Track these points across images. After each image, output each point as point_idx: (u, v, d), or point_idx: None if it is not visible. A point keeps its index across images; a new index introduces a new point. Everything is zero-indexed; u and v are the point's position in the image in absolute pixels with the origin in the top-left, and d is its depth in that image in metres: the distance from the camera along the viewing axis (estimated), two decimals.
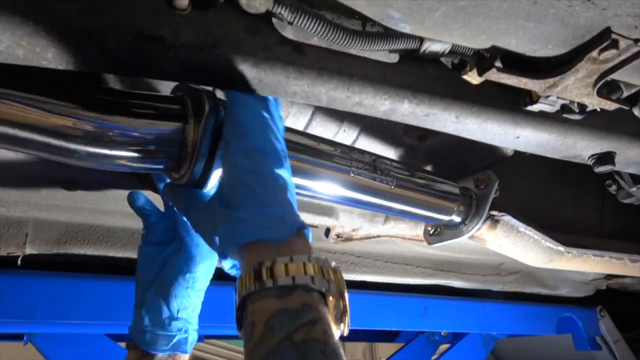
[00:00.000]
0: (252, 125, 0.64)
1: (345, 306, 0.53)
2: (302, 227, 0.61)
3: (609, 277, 1.84)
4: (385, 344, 3.29)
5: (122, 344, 1.42)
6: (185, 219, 0.75)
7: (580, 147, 0.90)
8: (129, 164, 0.68)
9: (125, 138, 0.65)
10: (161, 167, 0.71)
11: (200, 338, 1.47)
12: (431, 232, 1.11)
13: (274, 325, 0.49)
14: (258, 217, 0.58)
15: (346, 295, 0.54)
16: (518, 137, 0.86)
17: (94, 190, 1.05)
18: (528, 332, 1.92)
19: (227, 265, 0.65)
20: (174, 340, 0.81)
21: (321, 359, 0.47)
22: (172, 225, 0.85)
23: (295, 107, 0.98)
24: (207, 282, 0.85)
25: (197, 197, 0.70)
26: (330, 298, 0.53)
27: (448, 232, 1.06)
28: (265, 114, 0.67)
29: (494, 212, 1.03)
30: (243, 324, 0.53)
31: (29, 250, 1.07)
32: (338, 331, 0.53)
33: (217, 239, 0.62)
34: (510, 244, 1.09)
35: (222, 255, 0.64)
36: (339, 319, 0.53)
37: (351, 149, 0.85)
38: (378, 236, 1.36)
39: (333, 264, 0.57)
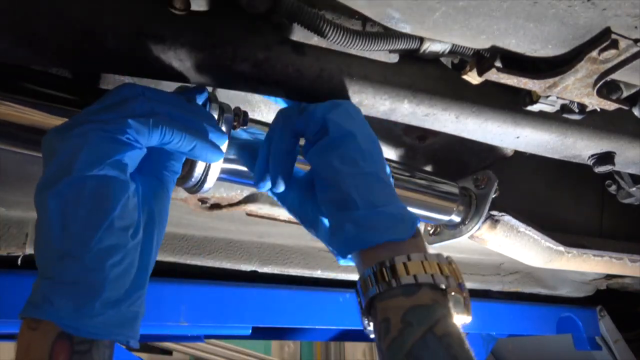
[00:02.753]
0: (349, 128, 0.65)
1: (466, 297, 0.57)
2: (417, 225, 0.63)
3: (609, 277, 1.83)
4: None
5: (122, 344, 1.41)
6: None
7: (580, 147, 0.90)
8: None
9: None
10: None
11: (200, 338, 1.47)
12: (431, 232, 1.12)
13: (411, 320, 0.53)
14: (380, 218, 0.60)
15: (465, 286, 0.58)
16: (518, 137, 0.86)
17: None
18: (528, 332, 1.92)
19: (343, 262, 0.66)
20: None
21: (459, 351, 0.51)
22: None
23: None
24: None
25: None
26: (453, 293, 0.56)
27: (448, 232, 1.06)
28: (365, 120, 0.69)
29: (494, 212, 1.03)
30: (373, 321, 0.57)
31: (29, 250, 1.07)
32: (464, 320, 0.57)
33: (337, 243, 0.63)
34: (510, 244, 1.09)
35: (342, 256, 0.65)
36: (462, 310, 0.57)
37: None
38: None
39: (446, 256, 0.59)
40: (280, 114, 0.70)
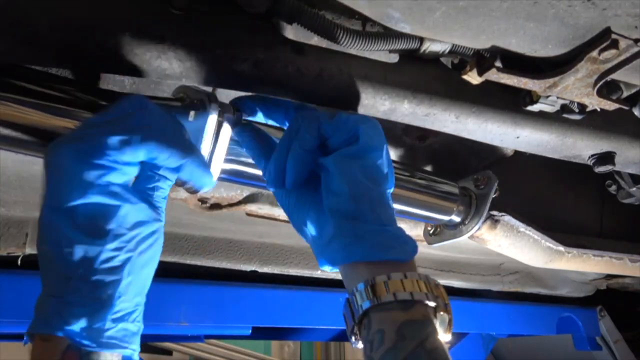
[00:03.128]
0: (376, 144, 0.66)
1: (451, 317, 0.60)
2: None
3: (609, 277, 1.83)
4: None
5: None
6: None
7: (580, 147, 0.90)
8: None
9: None
10: None
11: (200, 338, 1.47)
12: (431, 232, 1.11)
13: (405, 333, 0.55)
14: (388, 236, 0.62)
15: (450, 306, 0.60)
16: (518, 137, 0.86)
17: None
18: (528, 332, 1.92)
19: (326, 268, 0.66)
20: None
21: None
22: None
23: None
24: None
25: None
26: (441, 312, 0.59)
27: (448, 232, 1.06)
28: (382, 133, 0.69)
29: (494, 212, 1.03)
30: (365, 330, 0.59)
31: (29, 250, 1.07)
32: (445, 338, 0.59)
33: (335, 251, 0.63)
34: (510, 244, 1.09)
35: (333, 263, 0.65)
36: (446, 328, 0.60)
37: None
38: None
39: (433, 279, 0.62)
40: (302, 115, 0.69)
